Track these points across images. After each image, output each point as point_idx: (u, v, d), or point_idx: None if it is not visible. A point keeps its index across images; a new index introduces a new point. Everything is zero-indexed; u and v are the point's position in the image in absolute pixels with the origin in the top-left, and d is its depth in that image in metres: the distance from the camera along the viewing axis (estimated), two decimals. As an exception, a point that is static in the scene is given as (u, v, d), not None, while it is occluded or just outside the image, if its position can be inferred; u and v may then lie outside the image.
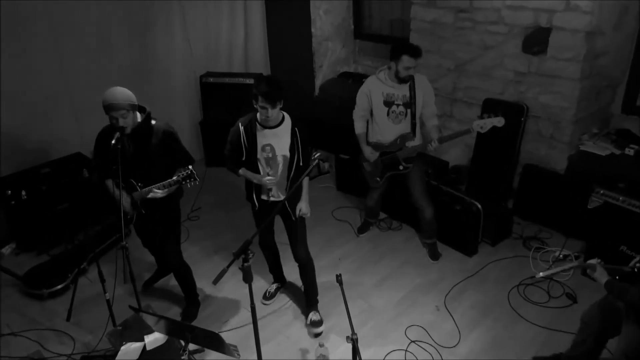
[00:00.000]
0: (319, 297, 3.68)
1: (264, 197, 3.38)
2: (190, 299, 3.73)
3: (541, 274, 2.78)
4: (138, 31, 5.12)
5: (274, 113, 3.09)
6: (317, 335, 3.53)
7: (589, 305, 2.92)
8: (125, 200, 3.20)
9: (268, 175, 3.27)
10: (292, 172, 3.27)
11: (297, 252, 3.47)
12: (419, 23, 5.04)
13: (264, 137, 3.23)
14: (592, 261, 2.74)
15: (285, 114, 3.24)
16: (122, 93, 3.00)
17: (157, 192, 3.14)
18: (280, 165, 3.29)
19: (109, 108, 2.97)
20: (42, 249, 4.46)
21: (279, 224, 3.62)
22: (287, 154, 3.24)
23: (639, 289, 2.47)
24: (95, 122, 4.94)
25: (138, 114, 3.15)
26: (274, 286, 3.96)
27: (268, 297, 3.90)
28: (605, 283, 2.60)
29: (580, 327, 2.93)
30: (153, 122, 3.18)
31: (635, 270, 2.67)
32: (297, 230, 3.43)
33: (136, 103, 3.07)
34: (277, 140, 3.23)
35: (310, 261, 3.54)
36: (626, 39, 4.24)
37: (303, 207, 3.36)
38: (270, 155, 3.26)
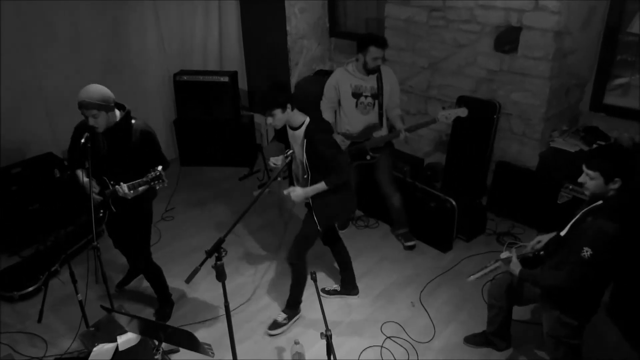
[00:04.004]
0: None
1: None
2: (163, 299, 3.70)
3: (471, 277, 2.91)
4: (110, 29, 5.05)
5: (274, 121, 3.10)
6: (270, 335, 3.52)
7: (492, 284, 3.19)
8: (95, 188, 3.11)
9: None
10: (309, 179, 3.20)
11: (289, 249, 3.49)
12: (393, 21, 5.07)
13: (290, 138, 3.27)
14: (506, 254, 2.87)
15: (306, 118, 3.17)
16: (95, 92, 2.94)
17: (128, 193, 3.01)
18: (300, 169, 3.28)
19: (80, 106, 2.92)
20: (13, 251, 4.37)
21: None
22: (305, 160, 3.17)
23: (551, 275, 2.63)
24: (67, 121, 4.85)
25: (117, 112, 3.10)
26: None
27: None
28: (519, 274, 2.74)
29: (489, 304, 3.19)
30: (133, 121, 3.14)
31: (531, 255, 2.87)
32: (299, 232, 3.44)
33: (110, 103, 3.01)
34: (296, 145, 3.21)
35: (296, 263, 3.45)
36: (593, 39, 4.34)
37: (297, 190, 3.21)
38: (294, 157, 3.27)
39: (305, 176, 3.22)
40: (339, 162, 3.08)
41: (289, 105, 3.07)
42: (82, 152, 2.95)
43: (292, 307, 3.63)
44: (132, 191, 3.01)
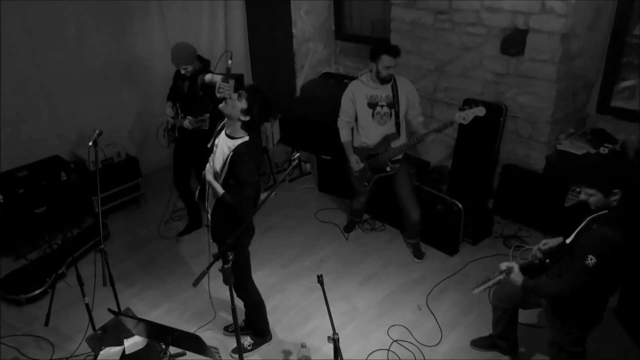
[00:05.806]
0: (300, 301, 3.68)
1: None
2: (192, 215, 4.71)
3: (475, 290, 2.87)
4: (116, 30, 5.05)
5: (229, 103, 2.84)
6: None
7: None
8: (171, 113, 4.19)
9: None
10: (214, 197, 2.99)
11: None
12: (399, 24, 5.07)
13: (218, 139, 3.00)
14: (506, 264, 2.80)
15: (246, 136, 2.89)
16: (183, 51, 3.93)
17: (187, 125, 3.95)
18: (212, 173, 3.00)
19: (172, 62, 3.96)
20: (20, 254, 4.38)
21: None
22: (222, 170, 2.91)
23: (553, 283, 2.63)
24: (73, 123, 4.94)
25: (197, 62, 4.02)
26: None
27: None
28: (521, 285, 2.70)
29: (493, 305, 3.19)
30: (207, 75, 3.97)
31: (536, 262, 2.86)
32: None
33: (194, 56, 3.98)
34: (220, 150, 2.94)
35: (246, 300, 3.30)
36: (600, 41, 4.32)
37: (208, 166, 3.03)
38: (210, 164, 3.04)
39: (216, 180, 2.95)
40: (244, 196, 2.80)
41: (246, 116, 2.84)
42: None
43: (259, 335, 3.46)
44: (190, 124, 3.92)
